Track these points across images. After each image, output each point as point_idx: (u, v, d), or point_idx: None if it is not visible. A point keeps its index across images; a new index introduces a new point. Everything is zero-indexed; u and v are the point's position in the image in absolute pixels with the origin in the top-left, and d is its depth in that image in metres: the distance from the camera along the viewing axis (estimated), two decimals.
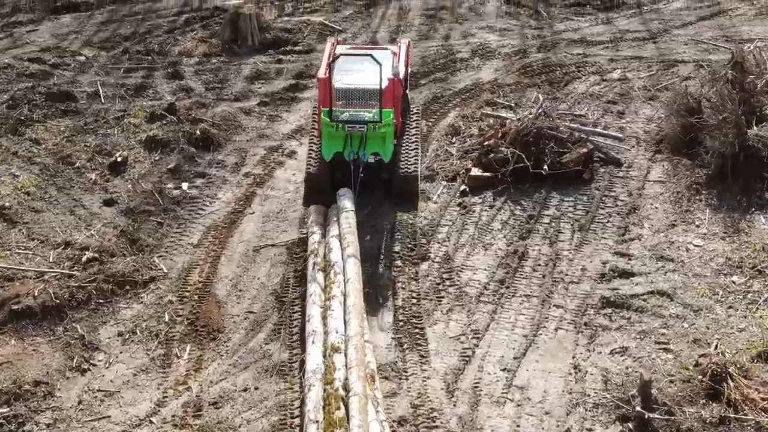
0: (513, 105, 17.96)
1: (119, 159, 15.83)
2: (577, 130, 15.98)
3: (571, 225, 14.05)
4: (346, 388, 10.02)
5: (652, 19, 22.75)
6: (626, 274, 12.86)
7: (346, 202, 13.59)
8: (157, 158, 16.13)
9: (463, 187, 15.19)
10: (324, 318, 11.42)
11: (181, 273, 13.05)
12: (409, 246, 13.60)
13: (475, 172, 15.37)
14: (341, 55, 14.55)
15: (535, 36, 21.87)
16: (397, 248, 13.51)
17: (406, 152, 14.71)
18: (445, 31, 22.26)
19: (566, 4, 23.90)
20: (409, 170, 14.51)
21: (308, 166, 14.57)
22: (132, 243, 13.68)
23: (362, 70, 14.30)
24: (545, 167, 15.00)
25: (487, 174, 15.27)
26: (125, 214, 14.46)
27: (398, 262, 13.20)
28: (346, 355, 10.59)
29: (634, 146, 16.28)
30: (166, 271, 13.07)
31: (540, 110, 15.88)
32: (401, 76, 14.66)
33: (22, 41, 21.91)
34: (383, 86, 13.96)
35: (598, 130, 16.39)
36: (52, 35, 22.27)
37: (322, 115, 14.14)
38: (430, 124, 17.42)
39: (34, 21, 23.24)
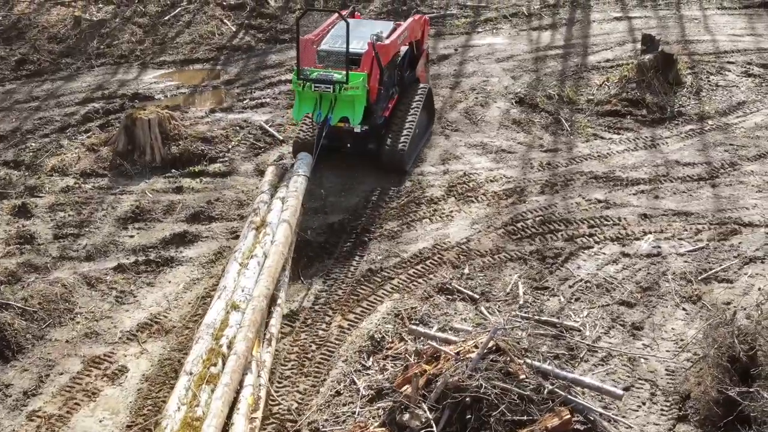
0: (478, 296, 12.06)
1: None
2: (551, 375, 10.02)
3: None
4: (230, 346, 9.86)
5: (716, 143, 16.16)
6: None
7: (300, 167, 13.76)
8: None
9: None
10: (238, 275, 11.31)
11: None
12: None
13: None
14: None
15: (544, 164, 15.50)
16: None
17: (398, 126, 14.88)
18: (422, 148, 16.17)
19: (599, 112, 17.45)
20: (396, 145, 14.73)
21: (297, 132, 15.30)
22: None
23: (354, 38, 14.45)
24: None
25: None
26: None
27: None
28: (243, 314, 10.42)
29: (645, 403, 10.22)
30: None
31: (488, 346, 9.95)
32: (385, 42, 14.71)
33: None
34: (353, 48, 14.27)
35: (586, 379, 10.24)
36: None
37: (293, 75, 14.50)
38: (345, 325, 11.67)
39: None
